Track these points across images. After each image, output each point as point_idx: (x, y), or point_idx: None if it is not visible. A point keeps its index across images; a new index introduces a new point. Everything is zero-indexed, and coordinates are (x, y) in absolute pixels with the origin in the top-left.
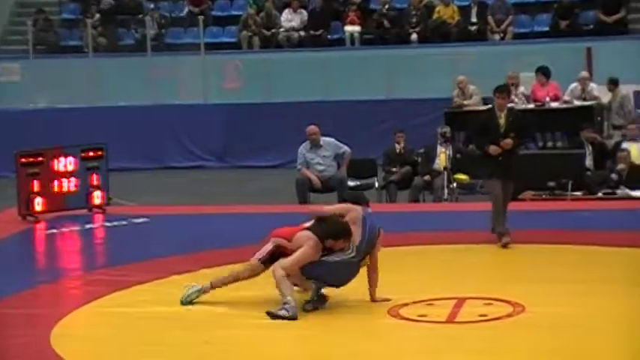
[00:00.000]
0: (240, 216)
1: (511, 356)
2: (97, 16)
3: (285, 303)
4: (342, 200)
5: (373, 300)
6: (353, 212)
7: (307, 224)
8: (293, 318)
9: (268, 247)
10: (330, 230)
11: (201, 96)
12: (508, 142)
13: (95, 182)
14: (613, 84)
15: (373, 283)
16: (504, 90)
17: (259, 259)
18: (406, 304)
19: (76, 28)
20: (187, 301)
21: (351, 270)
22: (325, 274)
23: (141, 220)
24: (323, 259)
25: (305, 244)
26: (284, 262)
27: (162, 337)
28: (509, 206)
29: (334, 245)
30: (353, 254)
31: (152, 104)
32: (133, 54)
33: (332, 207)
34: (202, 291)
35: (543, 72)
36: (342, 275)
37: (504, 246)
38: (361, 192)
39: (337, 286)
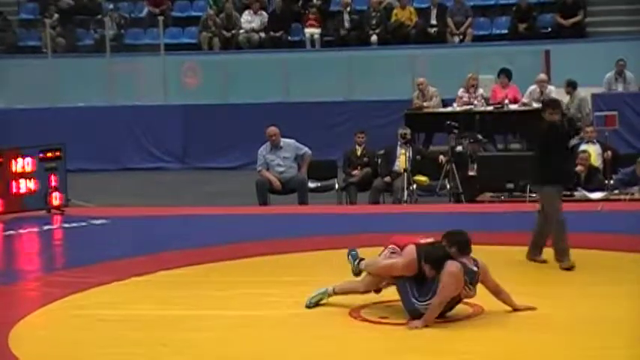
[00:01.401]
0: (200, 217)
1: (468, 357)
2: (56, 16)
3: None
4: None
5: (516, 309)
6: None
7: (424, 240)
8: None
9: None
10: (432, 256)
11: (160, 97)
12: None
13: (54, 183)
14: (571, 87)
15: (508, 301)
16: (558, 105)
17: None
18: (367, 306)
19: (35, 29)
20: (312, 303)
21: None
22: (400, 292)
23: (100, 221)
24: (407, 286)
25: (402, 258)
26: (375, 264)
27: (118, 339)
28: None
29: (428, 272)
30: (425, 304)
31: (111, 105)
32: (92, 54)
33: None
34: (327, 294)
35: (506, 74)
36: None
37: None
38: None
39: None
